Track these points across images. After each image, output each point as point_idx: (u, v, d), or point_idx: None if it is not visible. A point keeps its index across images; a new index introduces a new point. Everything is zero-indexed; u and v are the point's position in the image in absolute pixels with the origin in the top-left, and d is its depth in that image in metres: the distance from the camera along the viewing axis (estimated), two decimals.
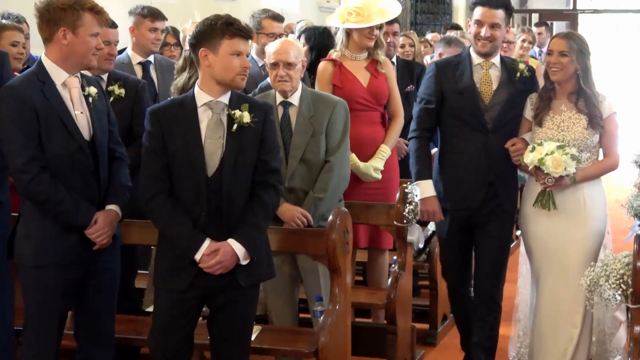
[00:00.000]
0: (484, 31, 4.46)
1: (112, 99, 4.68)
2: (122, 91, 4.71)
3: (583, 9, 17.69)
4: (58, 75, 3.69)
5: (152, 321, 3.80)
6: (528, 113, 4.49)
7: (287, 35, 6.19)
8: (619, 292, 3.79)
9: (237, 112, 3.66)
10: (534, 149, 4.26)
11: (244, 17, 11.63)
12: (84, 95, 3.77)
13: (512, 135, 4.49)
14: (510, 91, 4.53)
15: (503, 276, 4.70)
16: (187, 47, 4.52)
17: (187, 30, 4.56)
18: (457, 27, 9.43)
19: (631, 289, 3.73)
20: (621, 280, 3.77)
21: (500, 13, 4.47)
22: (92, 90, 3.81)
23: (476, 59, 4.57)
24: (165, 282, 3.73)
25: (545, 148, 4.20)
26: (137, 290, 4.94)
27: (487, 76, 4.55)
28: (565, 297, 4.36)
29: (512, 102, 4.52)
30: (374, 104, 5.24)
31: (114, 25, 4.74)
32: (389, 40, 5.75)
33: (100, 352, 3.92)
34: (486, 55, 4.54)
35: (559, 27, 16.78)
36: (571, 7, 16.96)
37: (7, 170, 3.95)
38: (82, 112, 3.75)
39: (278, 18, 5.90)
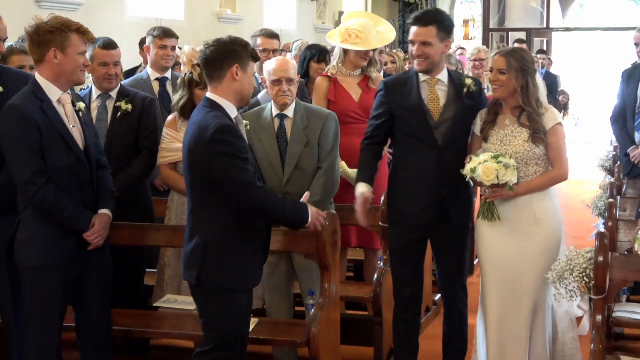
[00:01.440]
0: (415, 49, 4.19)
1: (119, 113, 4.71)
2: (129, 106, 4.72)
3: (556, 27, 17.73)
4: (53, 92, 3.71)
5: (228, 329, 3.62)
6: (477, 129, 4.22)
7: (282, 54, 6.23)
8: (583, 284, 3.79)
9: (245, 121, 3.81)
10: (470, 159, 4.04)
11: (247, 38, 11.70)
12: (74, 110, 3.81)
13: (464, 150, 4.25)
14: (458, 107, 4.23)
15: (465, 280, 4.46)
16: (185, 70, 4.54)
17: (185, 53, 4.54)
18: None
19: (593, 282, 3.73)
20: (584, 274, 3.77)
21: (431, 30, 4.14)
22: (81, 105, 3.86)
23: (422, 76, 4.25)
24: (245, 281, 3.66)
25: (480, 158, 3.98)
26: (146, 287, 4.96)
27: (434, 93, 4.24)
28: (514, 314, 4.10)
29: (461, 118, 4.24)
30: (364, 117, 5.23)
31: (109, 47, 4.70)
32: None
33: (99, 343, 3.94)
34: (426, 72, 4.24)
35: (536, 44, 16.82)
36: (545, 25, 17.00)
37: None
38: (74, 126, 3.78)
39: (272, 35, 5.93)
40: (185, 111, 4.58)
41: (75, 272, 3.80)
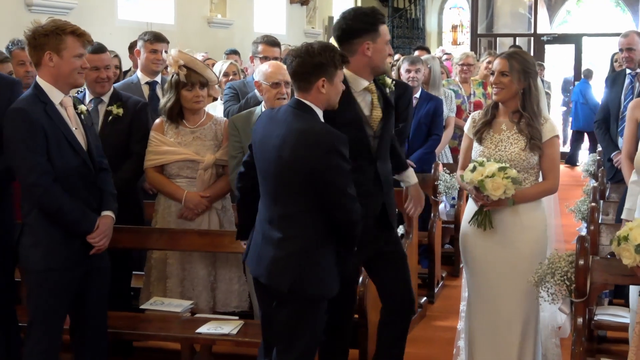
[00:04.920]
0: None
1: (110, 117, 4.70)
2: (120, 111, 4.73)
3: (544, 32, 17.77)
4: (55, 95, 3.70)
5: (314, 337, 3.57)
6: (470, 130, 4.14)
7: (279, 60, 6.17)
8: (564, 287, 3.78)
9: None
10: (474, 168, 3.91)
11: (237, 42, 11.64)
12: (77, 113, 3.80)
13: (387, 156, 3.99)
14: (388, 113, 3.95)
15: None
16: (172, 71, 4.52)
17: (171, 56, 4.54)
18: (423, 48, 9.44)
19: (574, 285, 3.73)
20: (565, 277, 3.76)
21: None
22: (83, 107, 3.86)
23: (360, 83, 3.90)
24: (334, 288, 3.58)
25: (486, 169, 3.86)
26: (131, 290, 4.94)
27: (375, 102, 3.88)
28: (500, 320, 4.04)
29: (390, 125, 3.98)
30: None
31: (99, 51, 4.70)
32: None
33: (96, 345, 3.93)
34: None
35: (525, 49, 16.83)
36: (532, 31, 17.05)
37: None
38: (76, 128, 3.78)
39: (274, 43, 5.78)
40: (173, 114, 4.57)
41: (79, 275, 3.78)
